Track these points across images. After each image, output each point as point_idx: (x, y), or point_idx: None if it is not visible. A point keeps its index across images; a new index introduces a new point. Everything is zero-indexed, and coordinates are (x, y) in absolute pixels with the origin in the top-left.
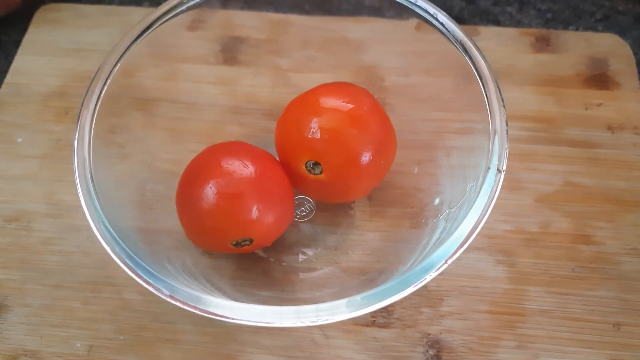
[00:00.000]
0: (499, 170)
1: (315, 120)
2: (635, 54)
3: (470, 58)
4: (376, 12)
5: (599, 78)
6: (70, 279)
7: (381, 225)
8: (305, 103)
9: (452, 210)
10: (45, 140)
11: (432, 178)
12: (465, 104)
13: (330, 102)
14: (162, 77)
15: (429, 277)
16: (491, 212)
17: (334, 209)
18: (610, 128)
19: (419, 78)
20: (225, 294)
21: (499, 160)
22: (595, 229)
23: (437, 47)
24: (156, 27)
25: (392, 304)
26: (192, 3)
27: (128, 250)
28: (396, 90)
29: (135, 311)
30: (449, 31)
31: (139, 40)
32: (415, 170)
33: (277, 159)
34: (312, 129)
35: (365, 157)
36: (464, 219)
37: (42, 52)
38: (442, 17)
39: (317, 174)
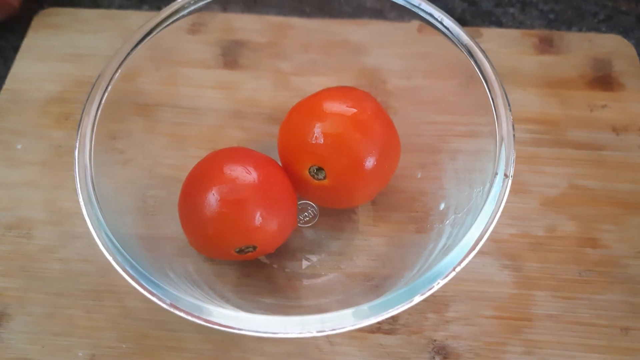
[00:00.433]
0: (506, 176)
1: (318, 125)
2: (639, 54)
3: (475, 61)
4: (377, 14)
5: (603, 79)
6: (72, 287)
7: (385, 230)
8: (308, 108)
9: (459, 215)
10: (45, 146)
11: (437, 182)
12: (470, 107)
13: (333, 106)
14: (163, 81)
15: (436, 286)
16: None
17: (337, 214)
18: (615, 130)
19: (421, 81)
20: (229, 302)
21: (506, 165)
22: (601, 232)
23: (440, 50)
24: (157, 33)
25: None
26: (193, 7)
27: (129, 258)
28: (399, 93)
29: (137, 319)
30: (453, 34)
31: (139, 46)
32: (419, 174)
33: (280, 164)
34: (315, 134)
35: (370, 162)
36: (471, 226)
37: (41, 57)
38: (447, 20)
39: (320, 179)
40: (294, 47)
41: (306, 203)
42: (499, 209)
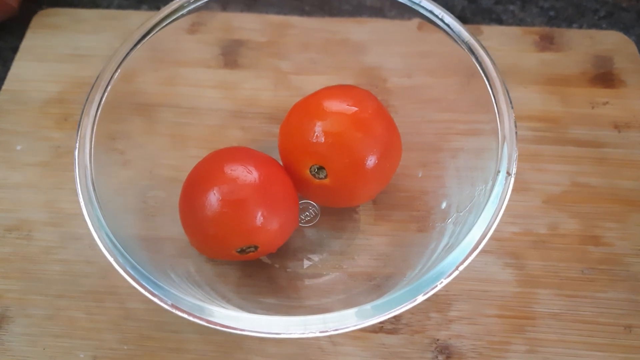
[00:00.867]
0: (508, 174)
1: (319, 124)
2: None
3: (477, 59)
4: (377, 12)
5: (604, 76)
6: (73, 289)
7: (387, 229)
8: (309, 107)
9: (461, 214)
10: (44, 147)
11: (438, 180)
12: (471, 105)
13: (334, 105)
14: (162, 81)
15: (439, 285)
16: None
17: (338, 213)
18: (616, 127)
19: (422, 79)
20: (230, 302)
21: (509, 163)
22: (604, 229)
23: (440, 48)
24: (156, 32)
25: None
26: (192, 7)
27: (131, 259)
28: (399, 92)
29: (139, 320)
30: (454, 32)
31: (138, 46)
32: (420, 173)
33: (281, 163)
34: (316, 133)
35: (371, 161)
36: (474, 224)
37: (40, 58)
38: (448, 18)
39: (321, 178)
40: (294, 46)
41: (307, 202)
42: (501, 207)
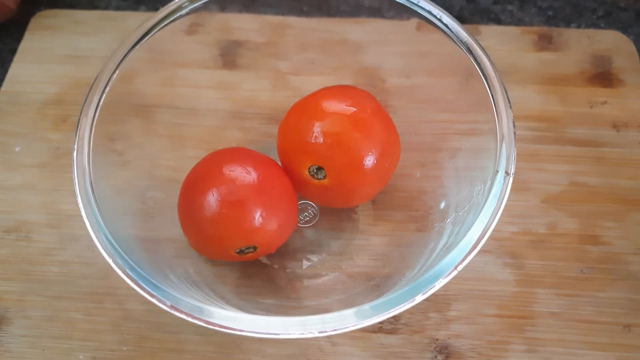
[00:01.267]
0: (507, 174)
1: (317, 124)
2: (638, 50)
3: (475, 59)
4: (375, 12)
5: (602, 76)
6: (72, 290)
7: (386, 230)
8: (307, 107)
9: (460, 213)
10: (43, 148)
11: (437, 180)
12: (470, 105)
13: (333, 105)
14: (161, 82)
15: (438, 285)
16: None
17: (337, 214)
18: (615, 126)
19: (420, 79)
20: (229, 303)
21: (507, 163)
22: (602, 228)
23: (439, 48)
24: (154, 33)
25: None
26: (190, 7)
27: (129, 260)
28: (398, 92)
29: (138, 321)
30: (452, 32)
31: (137, 47)
32: (419, 173)
33: (279, 164)
34: (314, 134)
35: (369, 161)
36: (473, 224)
37: (38, 59)
38: (446, 18)
39: (320, 178)
40: (292, 47)
41: (306, 203)
42: (500, 207)
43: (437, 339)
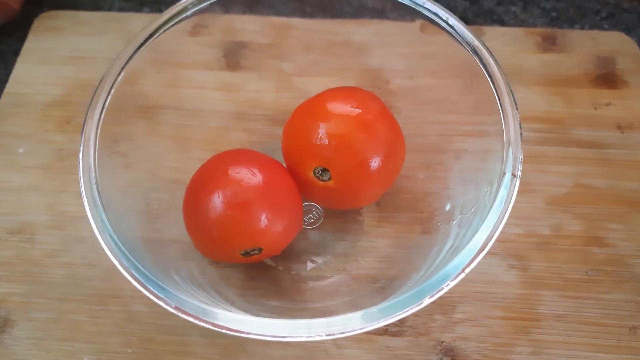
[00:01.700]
0: (514, 175)
1: (322, 126)
2: None
3: (481, 60)
4: (379, 13)
5: (606, 77)
6: (76, 292)
7: (391, 231)
8: (312, 108)
9: (465, 215)
10: (46, 150)
11: (442, 182)
12: (474, 106)
13: (338, 107)
14: (165, 83)
15: (446, 288)
16: None
17: (342, 215)
18: (619, 128)
19: (424, 80)
20: (234, 305)
21: (514, 165)
22: (607, 230)
23: (443, 49)
24: (159, 35)
25: None
26: (195, 9)
27: (135, 262)
28: (402, 93)
29: (142, 323)
30: (458, 33)
31: (142, 48)
32: (422, 175)
33: (284, 165)
34: (319, 135)
35: (375, 163)
36: (480, 226)
37: (41, 60)
38: (452, 19)
39: (325, 180)
40: (296, 48)
41: (310, 204)
42: (507, 209)
43: (442, 342)
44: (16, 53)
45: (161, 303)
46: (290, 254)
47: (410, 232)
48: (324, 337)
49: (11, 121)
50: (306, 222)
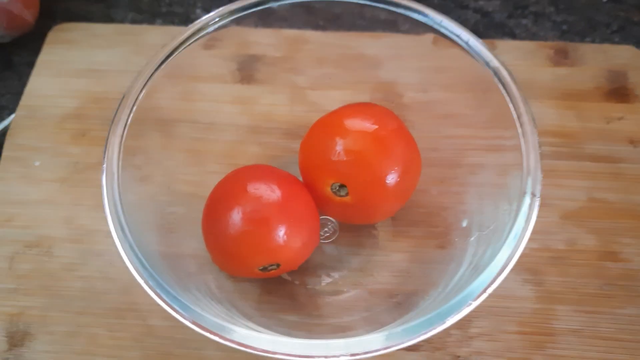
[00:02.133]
0: (534, 195)
1: (340, 142)
2: None
3: (497, 75)
4: (391, 27)
5: (618, 91)
6: (94, 306)
7: (406, 246)
8: (329, 125)
9: (484, 233)
10: (63, 163)
11: (458, 197)
12: (489, 120)
13: (355, 123)
14: (179, 97)
15: (468, 308)
16: None
17: (357, 230)
18: (632, 142)
19: (438, 94)
20: (251, 319)
21: (533, 184)
22: (621, 245)
23: (456, 62)
24: (179, 52)
25: None
26: (211, 29)
27: (157, 276)
28: (415, 107)
29: (160, 337)
30: (472, 48)
31: (162, 66)
32: (435, 190)
33: (301, 180)
34: (337, 151)
35: (392, 179)
36: (501, 245)
37: (56, 73)
38: (466, 35)
39: (342, 196)
40: (309, 61)
41: (326, 218)
42: (527, 229)
43: (458, 356)
44: (30, 65)
45: (179, 317)
46: (306, 269)
47: (425, 247)
48: (348, 358)
49: (27, 134)
50: (322, 236)
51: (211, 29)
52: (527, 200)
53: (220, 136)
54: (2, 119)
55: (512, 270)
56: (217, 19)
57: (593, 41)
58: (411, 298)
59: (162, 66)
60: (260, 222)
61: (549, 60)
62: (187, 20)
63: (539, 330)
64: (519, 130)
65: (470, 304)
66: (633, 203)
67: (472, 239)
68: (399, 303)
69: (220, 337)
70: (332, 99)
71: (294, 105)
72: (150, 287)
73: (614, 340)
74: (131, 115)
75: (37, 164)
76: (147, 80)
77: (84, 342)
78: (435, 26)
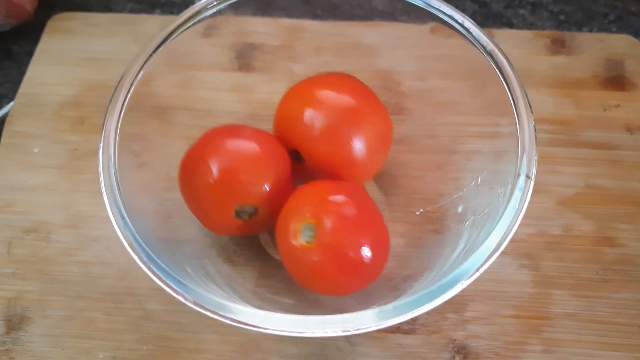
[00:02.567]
0: (528, 177)
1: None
2: None
3: (496, 62)
4: (389, 16)
5: (615, 79)
6: (91, 290)
7: (402, 231)
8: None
9: (478, 217)
10: (61, 150)
11: (454, 183)
12: (486, 108)
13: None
14: (178, 84)
15: (460, 287)
16: None
17: None
18: (629, 129)
19: (435, 82)
20: (249, 302)
21: (529, 166)
22: (617, 230)
23: (454, 51)
24: (175, 37)
25: None
26: (209, 13)
27: (156, 258)
28: (413, 95)
29: (157, 321)
30: (473, 35)
31: (158, 50)
32: (434, 176)
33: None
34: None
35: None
36: (494, 226)
37: (55, 61)
38: (468, 22)
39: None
40: (307, 50)
41: None
42: (521, 210)
43: (454, 340)
44: (29, 54)
45: (180, 298)
46: None
47: (421, 232)
48: (339, 334)
49: (26, 121)
50: None
51: (209, 12)
52: (521, 181)
53: (218, 123)
54: (1, 106)
55: (508, 255)
56: (214, 3)
57: (590, 31)
58: (407, 281)
59: (161, 50)
60: (233, 162)
61: (546, 49)
62: (185, 9)
63: (535, 315)
64: (515, 112)
65: (462, 283)
66: (629, 189)
67: (467, 223)
68: (395, 286)
69: (220, 315)
70: None
71: None
72: (150, 270)
73: (609, 324)
74: (129, 95)
75: (35, 150)
76: (145, 62)
77: (81, 325)
78: (434, 11)
